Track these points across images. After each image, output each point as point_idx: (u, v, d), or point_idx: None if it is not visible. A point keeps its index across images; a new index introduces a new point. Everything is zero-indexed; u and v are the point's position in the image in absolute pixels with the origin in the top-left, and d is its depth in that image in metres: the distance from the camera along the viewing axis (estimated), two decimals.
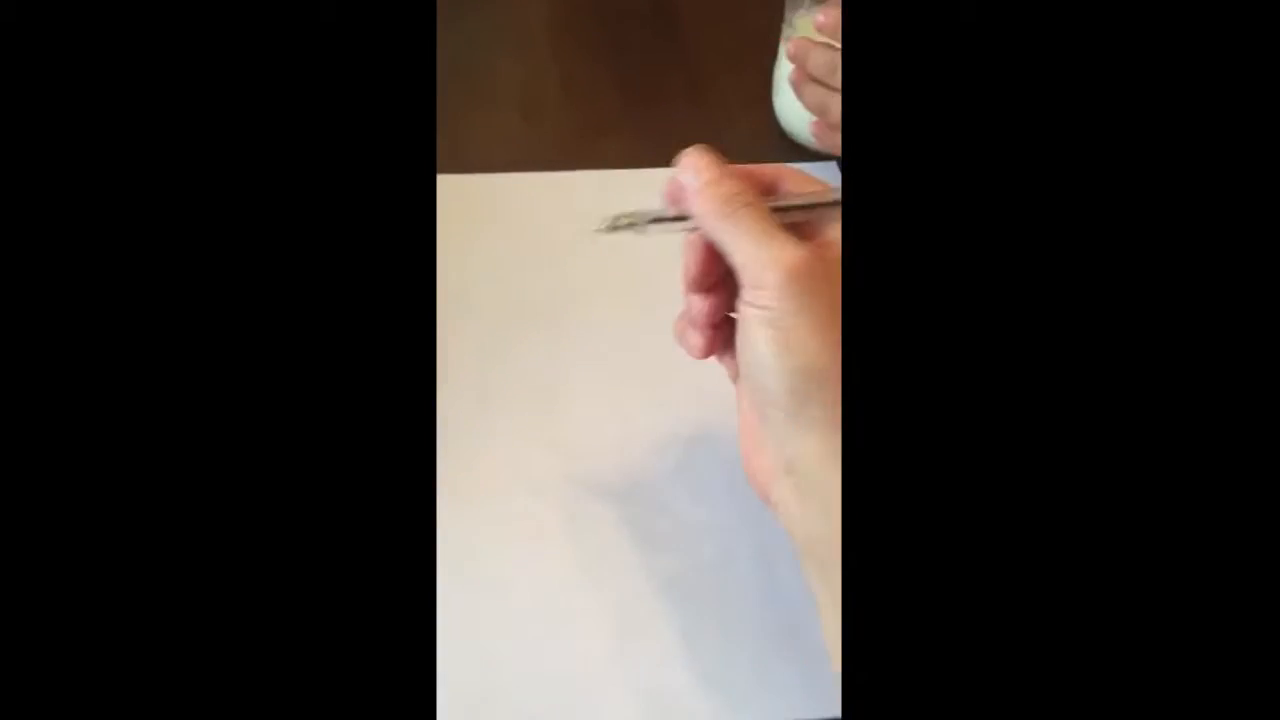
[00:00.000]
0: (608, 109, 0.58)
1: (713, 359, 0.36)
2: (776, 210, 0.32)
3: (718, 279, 0.34)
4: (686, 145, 0.34)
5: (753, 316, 0.31)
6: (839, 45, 0.46)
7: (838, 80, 0.46)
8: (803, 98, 0.50)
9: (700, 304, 0.35)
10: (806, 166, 0.36)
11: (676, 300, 0.35)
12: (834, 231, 0.32)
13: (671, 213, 0.34)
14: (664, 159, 0.35)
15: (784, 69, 0.52)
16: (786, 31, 0.54)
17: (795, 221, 0.32)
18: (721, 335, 0.35)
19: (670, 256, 0.35)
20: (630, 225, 0.35)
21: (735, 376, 0.35)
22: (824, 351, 0.30)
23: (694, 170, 0.33)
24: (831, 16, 0.46)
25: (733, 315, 0.34)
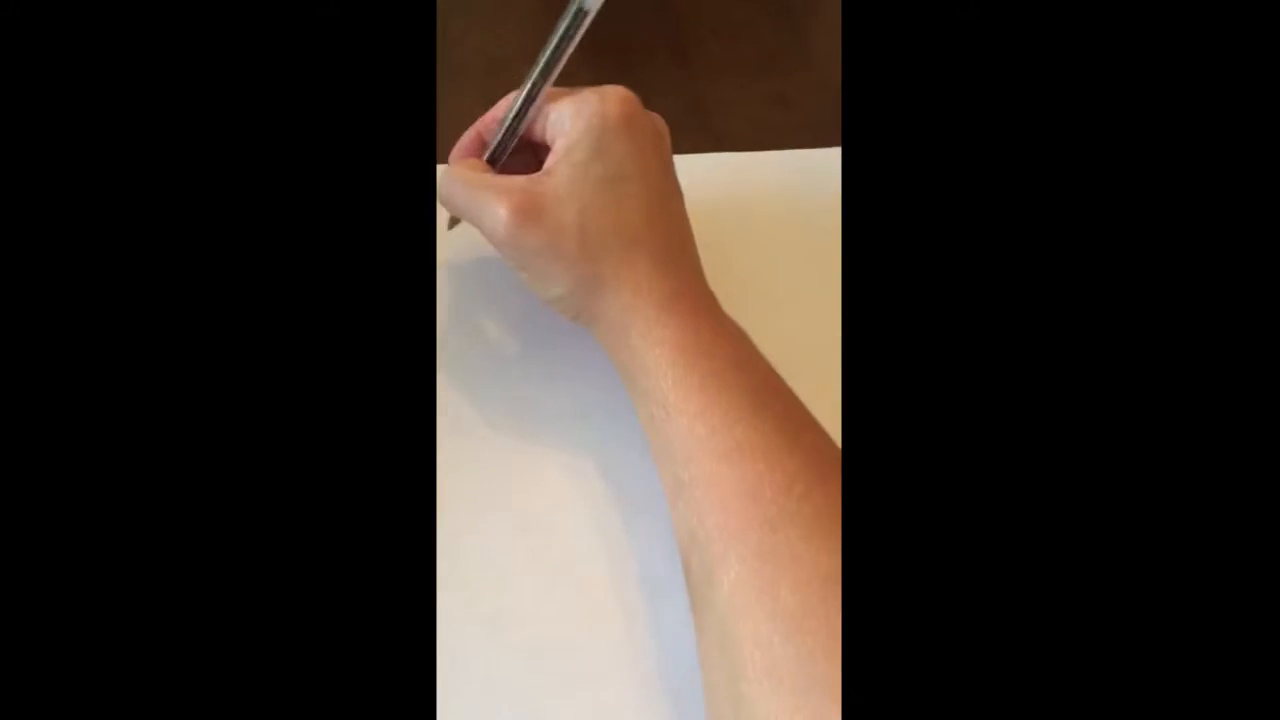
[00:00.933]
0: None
1: None
2: (491, 157, 0.37)
3: None
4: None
5: (508, 262, 0.36)
6: None
7: None
8: None
9: None
10: (808, 153, 0.38)
11: None
12: (550, 127, 0.35)
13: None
14: None
15: None
16: None
17: (516, 144, 0.36)
18: None
19: None
20: (456, 222, 0.40)
21: None
22: (568, 273, 0.34)
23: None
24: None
25: None
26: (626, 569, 0.36)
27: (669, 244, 0.35)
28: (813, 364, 0.34)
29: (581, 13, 0.34)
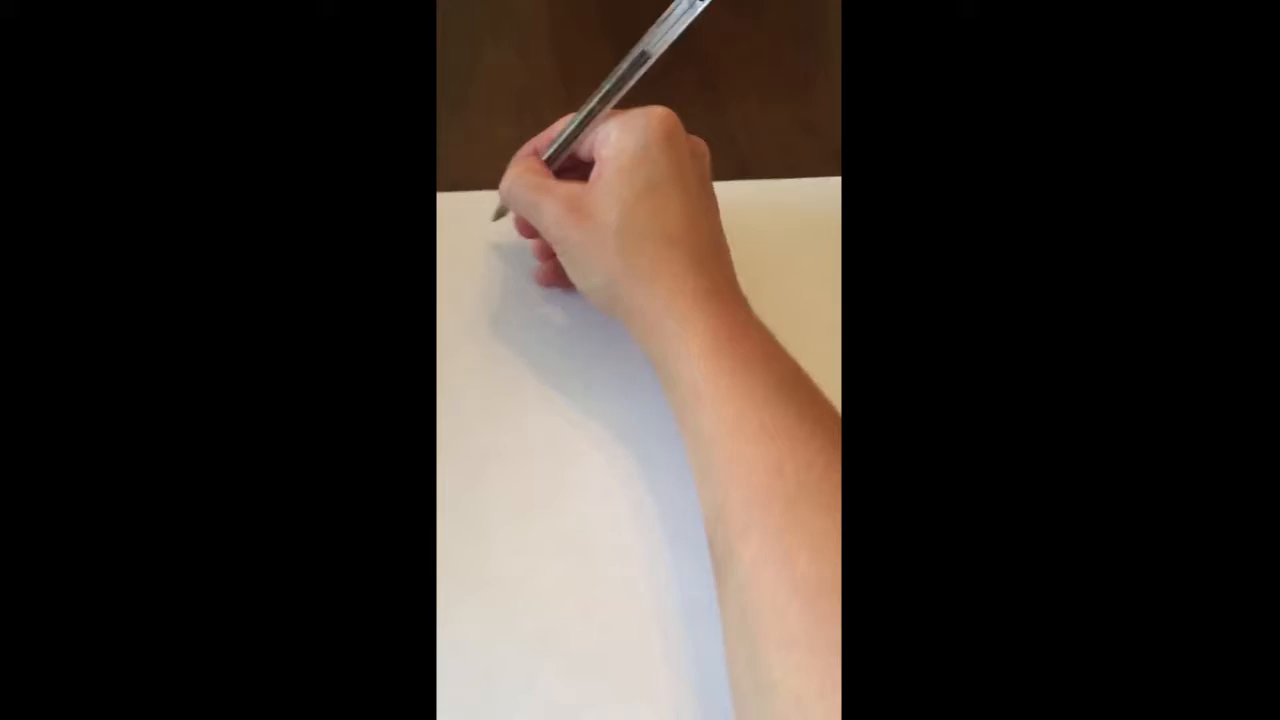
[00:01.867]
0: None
1: None
2: (549, 159, 0.42)
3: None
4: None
5: (556, 252, 0.41)
6: None
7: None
8: None
9: (534, 246, 0.45)
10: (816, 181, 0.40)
11: None
12: (599, 142, 0.40)
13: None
14: None
15: None
16: None
17: (570, 154, 0.41)
18: (556, 265, 0.43)
19: None
20: (501, 214, 0.47)
21: None
22: (608, 265, 0.38)
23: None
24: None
25: None
26: (666, 589, 0.36)
27: (704, 246, 0.38)
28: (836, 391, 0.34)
29: (644, 55, 0.39)
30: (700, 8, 0.37)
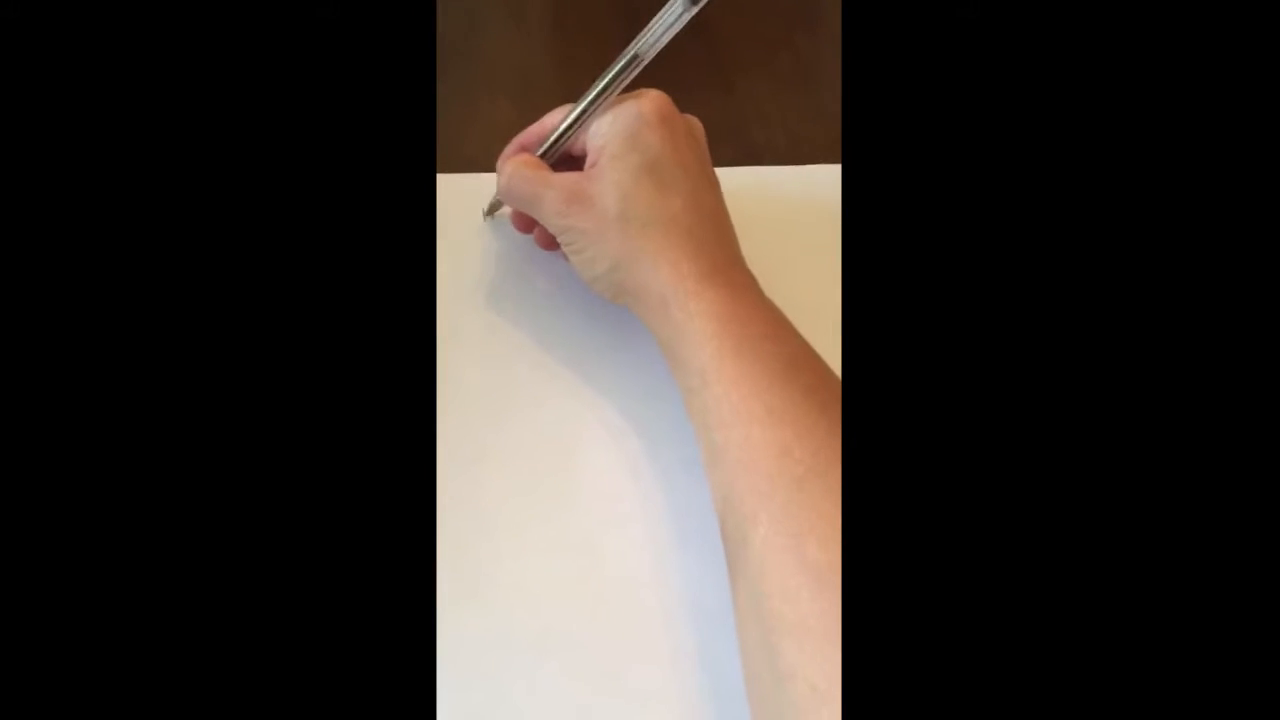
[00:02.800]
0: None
1: None
2: (544, 153, 0.41)
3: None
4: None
5: (560, 243, 0.41)
6: None
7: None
8: None
9: (536, 236, 0.45)
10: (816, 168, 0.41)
11: None
12: (592, 133, 0.39)
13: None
14: None
15: None
16: None
17: (566, 147, 0.41)
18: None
19: None
20: (494, 209, 0.47)
21: None
22: (612, 251, 0.38)
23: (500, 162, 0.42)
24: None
25: None
26: (671, 588, 0.36)
27: (707, 225, 0.38)
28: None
29: (636, 58, 0.38)
30: (694, 10, 0.36)
